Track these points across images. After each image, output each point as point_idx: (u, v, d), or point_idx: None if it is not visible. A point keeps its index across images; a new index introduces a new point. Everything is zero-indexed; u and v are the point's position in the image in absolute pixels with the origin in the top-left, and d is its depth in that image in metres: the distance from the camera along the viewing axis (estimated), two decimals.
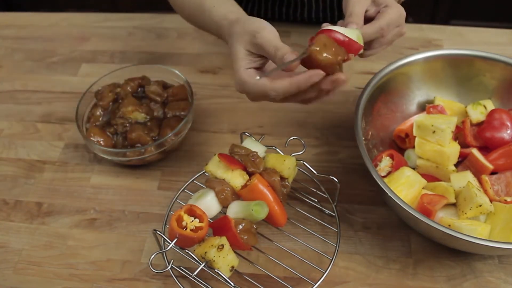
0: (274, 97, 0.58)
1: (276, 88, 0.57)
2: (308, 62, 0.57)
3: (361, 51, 0.61)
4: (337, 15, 1.03)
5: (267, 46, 0.58)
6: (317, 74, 0.56)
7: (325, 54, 0.56)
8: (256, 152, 0.66)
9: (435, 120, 0.69)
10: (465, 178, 0.66)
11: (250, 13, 1.07)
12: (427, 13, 1.92)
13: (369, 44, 0.65)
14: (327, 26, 0.61)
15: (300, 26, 1.05)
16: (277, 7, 1.03)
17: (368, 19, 0.64)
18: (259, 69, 0.62)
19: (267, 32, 0.59)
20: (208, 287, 0.62)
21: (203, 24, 0.72)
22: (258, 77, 0.59)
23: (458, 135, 0.75)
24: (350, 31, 0.60)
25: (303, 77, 0.56)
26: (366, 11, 0.65)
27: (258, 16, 1.05)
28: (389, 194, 0.60)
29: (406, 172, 0.66)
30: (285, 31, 1.03)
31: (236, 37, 0.61)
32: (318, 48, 0.56)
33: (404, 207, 0.58)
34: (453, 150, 0.68)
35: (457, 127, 0.75)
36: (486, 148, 0.72)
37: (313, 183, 0.73)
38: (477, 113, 0.75)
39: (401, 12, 0.65)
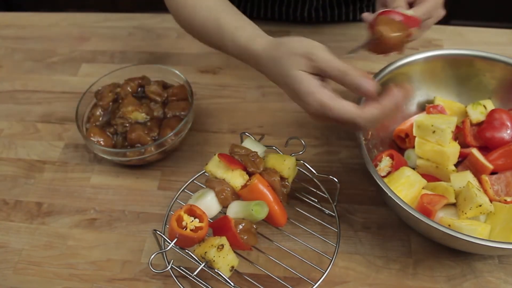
0: (362, 125, 0.54)
1: (366, 116, 0.53)
2: (377, 45, 0.57)
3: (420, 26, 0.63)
4: (337, 13, 1.03)
5: (330, 70, 0.54)
6: (402, 91, 0.52)
7: (392, 33, 0.57)
8: (256, 152, 0.66)
9: (435, 120, 0.69)
10: (465, 178, 0.66)
11: (250, 14, 1.07)
12: None
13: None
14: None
15: (300, 25, 1.05)
16: (276, 7, 1.03)
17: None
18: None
19: (321, 52, 0.55)
20: (208, 287, 0.62)
21: (221, 45, 0.67)
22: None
23: (458, 135, 0.75)
24: (404, 12, 0.63)
25: (389, 99, 0.53)
26: None
27: (258, 16, 1.06)
28: (389, 194, 0.60)
29: (406, 172, 0.66)
30: (285, 31, 1.03)
31: (287, 61, 0.57)
32: (384, 27, 0.57)
33: (404, 207, 0.58)
34: (453, 150, 0.68)
35: (457, 127, 0.75)
36: (486, 148, 0.72)
37: (313, 183, 0.73)
38: (477, 113, 0.75)
39: None
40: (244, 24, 0.65)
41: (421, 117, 0.71)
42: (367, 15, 0.67)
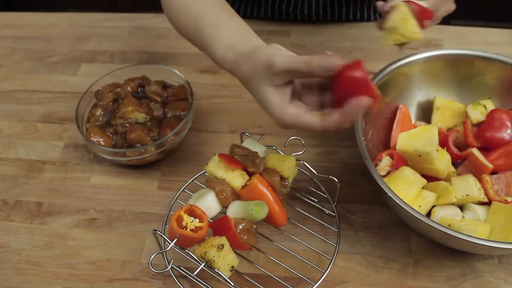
0: (326, 131, 0.54)
1: (328, 125, 0.53)
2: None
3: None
4: (337, 12, 1.03)
5: (294, 66, 0.52)
6: (362, 100, 0.51)
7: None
8: (256, 152, 0.66)
9: (416, 142, 0.67)
10: (467, 182, 0.66)
11: (250, 13, 1.07)
12: None
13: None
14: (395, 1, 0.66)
15: (299, 25, 1.05)
16: (276, 6, 1.03)
17: None
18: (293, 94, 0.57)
19: (279, 57, 0.53)
20: (208, 287, 0.62)
21: (204, 51, 0.66)
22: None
23: (458, 135, 0.75)
24: (421, 2, 0.66)
25: (351, 108, 0.51)
26: None
27: (258, 15, 1.06)
28: (389, 194, 0.60)
29: (406, 172, 0.66)
30: (285, 31, 1.03)
31: (252, 79, 0.56)
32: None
33: (404, 207, 0.58)
34: (444, 163, 0.67)
35: (456, 130, 0.75)
36: (486, 148, 0.72)
37: (313, 183, 0.73)
38: (477, 113, 0.75)
39: None
40: (222, 34, 0.62)
41: (401, 142, 0.69)
42: (381, 4, 0.69)
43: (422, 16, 0.67)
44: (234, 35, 0.62)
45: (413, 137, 0.69)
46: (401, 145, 0.69)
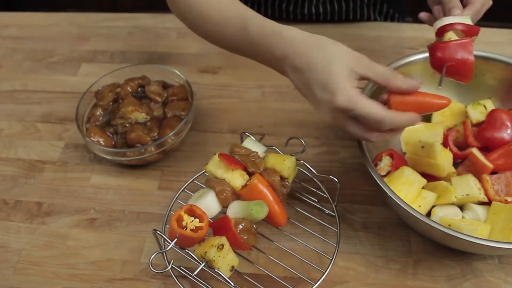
0: (387, 126, 0.55)
1: (397, 118, 0.55)
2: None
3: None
4: (337, 9, 1.03)
5: (379, 68, 0.56)
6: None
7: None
8: (256, 152, 0.66)
9: (421, 134, 0.68)
10: (467, 182, 0.66)
11: None
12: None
13: None
14: (444, 20, 0.67)
15: (300, 25, 1.03)
16: (276, 5, 1.03)
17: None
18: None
19: (366, 59, 0.57)
20: (208, 287, 0.62)
21: (237, 32, 0.64)
22: None
23: (458, 135, 0.75)
24: (463, 18, 0.67)
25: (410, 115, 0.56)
26: None
27: None
28: (389, 193, 0.60)
29: (406, 172, 0.66)
30: None
31: (333, 49, 0.57)
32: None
33: (404, 207, 0.58)
34: (446, 160, 0.68)
35: (456, 130, 0.75)
36: (486, 148, 0.72)
37: (313, 183, 0.73)
38: (477, 113, 0.75)
39: None
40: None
41: (405, 133, 0.70)
42: (426, 17, 0.72)
43: (470, 34, 0.67)
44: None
45: (418, 130, 0.70)
46: (405, 136, 0.69)
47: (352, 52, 0.57)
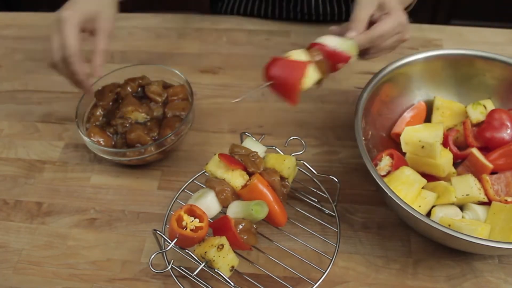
0: None
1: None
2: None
3: (353, 59, 0.65)
4: (337, 10, 1.03)
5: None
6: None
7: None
8: (256, 152, 0.66)
9: (421, 133, 0.68)
10: (467, 182, 0.66)
11: (250, 11, 1.07)
12: (427, 13, 1.92)
13: (366, 50, 0.68)
14: (322, 38, 0.66)
15: (299, 25, 1.04)
16: (277, 2, 1.03)
17: (372, 23, 0.67)
18: None
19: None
20: (208, 287, 0.62)
21: None
22: None
23: (458, 135, 0.75)
24: (344, 42, 0.65)
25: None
26: (372, 15, 0.67)
27: (258, 13, 1.06)
28: (389, 194, 0.60)
29: (406, 172, 0.66)
30: (285, 31, 1.03)
31: None
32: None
33: (404, 207, 0.58)
34: (446, 160, 0.68)
35: (456, 130, 0.75)
36: (486, 148, 0.72)
37: (313, 183, 0.73)
38: (477, 113, 0.75)
39: (400, 20, 0.67)
40: None
41: (406, 134, 0.70)
42: (323, 37, 0.68)
43: (335, 60, 0.65)
44: None
45: (418, 130, 0.69)
46: (405, 136, 0.69)
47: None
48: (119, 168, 0.81)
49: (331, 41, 0.66)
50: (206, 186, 0.63)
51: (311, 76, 0.64)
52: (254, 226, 0.62)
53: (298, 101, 0.63)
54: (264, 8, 1.05)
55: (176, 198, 0.71)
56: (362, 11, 0.66)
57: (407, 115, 0.78)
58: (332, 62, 0.65)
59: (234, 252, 0.59)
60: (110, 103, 0.83)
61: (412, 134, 0.69)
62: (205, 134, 0.85)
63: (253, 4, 1.06)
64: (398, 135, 0.73)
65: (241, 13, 1.09)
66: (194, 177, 0.73)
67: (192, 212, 0.60)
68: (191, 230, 0.58)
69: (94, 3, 0.68)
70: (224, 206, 0.63)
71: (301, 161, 0.69)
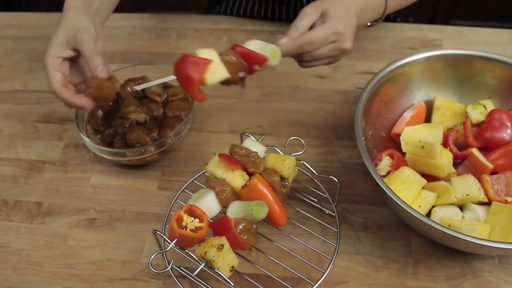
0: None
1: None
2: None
3: (271, 62, 0.67)
4: None
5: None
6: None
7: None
8: (256, 152, 0.66)
9: (421, 133, 0.68)
10: (467, 182, 0.66)
11: (250, 13, 1.07)
12: (427, 13, 1.92)
13: (300, 57, 0.70)
14: (248, 41, 0.68)
15: None
16: (277, 6, 1.03)
17: None
18: None
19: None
20: (208, 287, 0.62)
21: None
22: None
23: (458, 135, 0.75)
24: (266, 46, 0.67)
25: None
26: (313, 24, 0.69)
27: (258, 16, 1.06)
28: (389, 194, 0.60)
29: (406, 172, 0.66)
30: (285, 31, 1.03)
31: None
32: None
33: (404, 207, 0.58)
34: (446, 160, 0.68)
35: (456, 130, 0.75)
36: (486, 148, 0.72)
37: (313, 183, 0.73)
38: (477, 113, 0.75)
39: (335, 29, 0.68)
40: None
41: (406, 134, 0.70)
42: (280, 37, 0.70)
43: (252, 61, 0.67)
44: None
45: (418, 130, 0.69)
46: (405, 136, 0.69)
47: None
48: (119, 168, 0.81)
49: (253, 44, 0.68)
50: (206, 186, 0.63)
51: (215, 74, 0.66)
52: (254, 226, 0.62)
53: (203, 97, 0.66)
54: (263, 11, 1.05)
55: (176, 198, 0.71)
56: (302, 20, 0.68)
57: (407, 115, 0.78)
58: (248, 63, 0.67)
59: (234, 252, 0.59)
60: (110, 103, 0.83)
61: (412, 134, 0.69)
62: (205, 134, 0.85)
63: (253, 7, 1.06)
64: (398, 135, 0.73)
65: (241, 15, 1.09)
66: (194, 177, 0.73)
67: (192, 212, 0.60)
68: (191, 230, 0.58)
69: (72, 26, 0.69)
70: (224, 206, 0.63)
71: (301, 161, 0.69)
